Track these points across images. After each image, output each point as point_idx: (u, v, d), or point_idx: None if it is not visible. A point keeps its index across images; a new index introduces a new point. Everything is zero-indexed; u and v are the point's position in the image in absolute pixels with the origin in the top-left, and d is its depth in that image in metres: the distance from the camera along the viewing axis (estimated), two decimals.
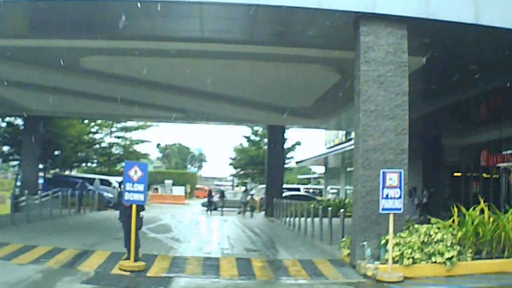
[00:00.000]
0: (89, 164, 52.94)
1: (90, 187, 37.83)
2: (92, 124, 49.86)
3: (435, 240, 13.61)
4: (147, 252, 15.16)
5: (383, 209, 13.04)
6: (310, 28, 16.29)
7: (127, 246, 13.50)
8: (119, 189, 40.35)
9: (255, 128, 61.30)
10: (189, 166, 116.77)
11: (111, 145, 53.33)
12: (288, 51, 18.58)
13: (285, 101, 27.25)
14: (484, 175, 27.68)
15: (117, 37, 18.01)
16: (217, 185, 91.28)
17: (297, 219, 25.26)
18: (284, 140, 37.39)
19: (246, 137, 62.11)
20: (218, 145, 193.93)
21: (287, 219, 28.35)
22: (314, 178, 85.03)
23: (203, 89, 24.93)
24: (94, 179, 40.89)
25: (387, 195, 12.99)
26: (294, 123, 36.15)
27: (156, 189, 66.09)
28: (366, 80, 14.60)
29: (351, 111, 30.54)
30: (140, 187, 13.10)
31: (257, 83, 23.54)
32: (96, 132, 51.19)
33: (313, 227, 21.62)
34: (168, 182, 68.63)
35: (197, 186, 78.45)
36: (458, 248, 13.67)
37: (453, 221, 14.56)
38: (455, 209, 14.64)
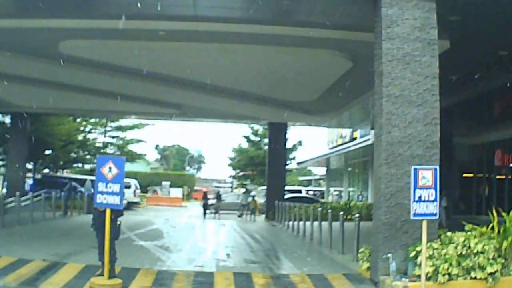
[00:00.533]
0: (83, 165, 50.33)
1: (80, 188, 35.29)
2: (85, 123, 47.47)
3: (475, 251, 11.10)
4: (129, 265, 12.67)
5: (415, 215, 10.47)
6: (319, 3, 13.84)
7: (101, 259, 10.98)
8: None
9: (255, 127, 58.89)
10: (187, 167, 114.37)
11: (105, 144, 50.81)
12: (293, 32, 16.09)
13: (288, 94, 24.77)
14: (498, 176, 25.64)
15: (99, 16, 15.58)
16: (216, 187, 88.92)
17: (301, 223, 22.84)
18: (285, 138, 34.85)
19: (245, 137, 59.61)
20: (217, 146, 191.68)
21: (290, 223, 25.92)
22: (315, 180, 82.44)
23: (199, 80, 22.51)
24: (85, 180, 38.31)
25: (419, 198, 10.42)
26: (296, 120, 33.58)
27: (155, 191, 63.62)
28: (389, 60, 12.08)
29: (359, 107, 28.49)
30: (116, 187, 10.64)
31: (258, 72, 21.04)
32: (89, 132, 48.74)
33: (320, 233, 19.16)
34: (166, 183, 66.18)
35: (195, 188, 75.82)
36: (502, 261, 11.17)
37: (492, 228, 12.05)
38: (494, 213, 12.13)
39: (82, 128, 46.61)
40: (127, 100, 27.09)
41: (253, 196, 36.18)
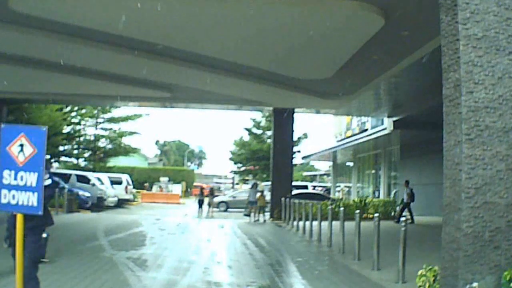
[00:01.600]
0: (73, 160, 46.01)
1: (63, 184, 31.01)
2: (74, 113, 43.21)
3: None
4: None
5: None
6: None
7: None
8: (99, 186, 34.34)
9: (258, 119, 54.58)
10: (188, 163, 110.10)
11: (97, 137, 46.54)
12: None
13: (298, 70, 20.38)
14: None
15: None
16: (216, 182, 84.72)
17: (312, 223, 18.69)
18: (293, 127, 30.40)
19: (247, 129, 55.34)
20: (219, 142, 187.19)
21: (300, 223, 21.70)
22: (320, 175, 78.07)
23: (190, 51, 18.15)
24: (70, 175, 34.08)
25: None
26: (305, 106, 28.98)
27: (161, 187, 59.37)
28: None
29: (384, 86, 23.84)
30: (31, 178, 6.30)
31: (262, 38, 16.63)
32: (78, 123, 44.46)
33: (343, 238, 14.89)
34: (164, 179, 61.98)
35: (195, 184, 71.44)
36: None
37: None
38: None
39: (69, 119, 42.37)
40: (111, 80, 22.87)
41: (262, 192, 30.16)
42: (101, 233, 18.48)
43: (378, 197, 38.91)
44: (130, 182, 41.62)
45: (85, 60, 20.06)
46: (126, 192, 39.63)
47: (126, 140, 48.43)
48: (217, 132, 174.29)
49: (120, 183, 39.26)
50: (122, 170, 67.75)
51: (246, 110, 33.06)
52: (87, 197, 31.80)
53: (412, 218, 26.00)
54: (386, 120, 34.50)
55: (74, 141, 43.91)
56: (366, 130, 43.79)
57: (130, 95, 26.09)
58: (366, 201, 31.27)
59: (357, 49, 17.09)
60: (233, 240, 18.12)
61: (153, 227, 22.03)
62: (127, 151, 47.80)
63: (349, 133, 50.81)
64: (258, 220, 28.35)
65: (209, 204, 34.57)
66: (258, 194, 29.37)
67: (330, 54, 18.09)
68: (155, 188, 59.16)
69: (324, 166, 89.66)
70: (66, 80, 22.99)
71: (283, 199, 27.49)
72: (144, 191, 56.67)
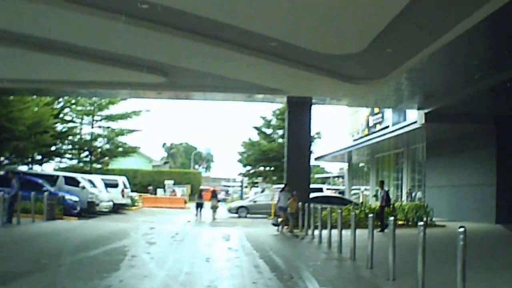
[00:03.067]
0: (68, 160, 41.76)
1: (48, 187, 26.72)
2: (68, 110, 38.98)
3: None
4: None
5: None
6: None
7: None
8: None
9: (268, 118, 50.06)
10: (196, 166, 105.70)
11: (93, 136, 42.19)
12: None
13: (323, 39, 15.90)
14: None
15: None
16: (224, 185, 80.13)
17: (335, 232, 14.53)
18: (310, 121, 25.87)
19: (256, 128, 50.83)
20: (227, 144, 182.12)
21: (321, 232, 17.34)
22: (333, 177, 73.32)
23: (185, 10, 13.71)
24: (57, 177, 29.75)
25: None
26: (326, 92, 24.03)
27: (174, 190, 55.09)
28: None
29: (418, 69, 19.26)
30: None
31: None
32: (71, 121, 40.16)
33: (394, 257, 10.41)
34: (169, 182, 57.68)
35: (202, 187, 66.66)
36: None
37: None
38: None
39: (62, 116, 38.16)
40: (94, 60, 18.52)
41: (294, 195, 22.85)
42: (69, 249, 14.09)
43: (413, 200, 34.16)
44: (128, 185, 37.15)
45: (65, 32, 15.80)
46: (123, 196, 35.16)
47: (126, 140, 44.06)
48: (225, 133, 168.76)
49: (115, 186, 34.87)
50: (125, 172, 63.49)
51: (256, 101, 28.21)
52: (75, 201, 27.43)
53: (382, 226, 21.58)
54: (412, 114, 30.15)
55: (67, 140, 39.60)
56: (387, 127, 39.36)
57: (119, 81, 21.70)
58: (395, 205, 26.74)
59: (402, 7, 12.64)
60: (241, 260, 13.57)
61: (141, 240, 17.54)
62: (126, 151, 43.39)
63: (366, 132, 46.42)
64: (292, 232, 21.80)
65: (213, 208, 31.99)
66: (290, 199, 22.74)
67: (364, 16, 13.61)
68: (168, 191, 55.09)
69: (333, 168, 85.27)
70: (45, 61, 18.76)
71: (300, 203, 22.99)
72: (148, 195, 52.38)
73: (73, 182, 29.33)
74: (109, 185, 33.65)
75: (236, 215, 35.02)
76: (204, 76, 20.43)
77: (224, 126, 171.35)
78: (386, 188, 24.54)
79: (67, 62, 18.63)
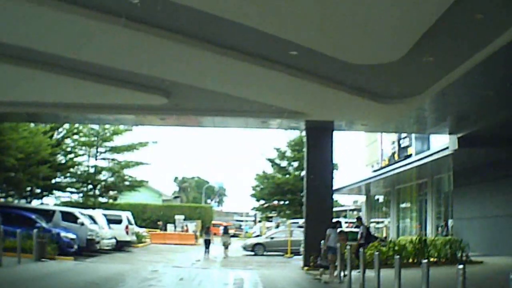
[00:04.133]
0: (71, 194, 38.94)
1: (41, 223, 23.97)
2: (69, 141, 36.34)
3: None
4: None
5: None
6: None
7: None
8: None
9: (282, 149, 47.29)
10: (208, 200, 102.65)
11: (98, 169, 39.40)
12: None
13: (353, 47, 13.05)
14: None
15: None
16: (237, 220, 76.88)
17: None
18: (332, 148, 22.99)
19: (270, 160, 47.95)
20: (240, 178, 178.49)
21: (350, 273, 14.34)
22: (350, 210, 69.89)
23: (191, 5, 10.95)
24: (53, 212, 26.91)
25: None
26: (351, 114, 20.78)
27: (186, 225, 52.31)
28: None
29: (459, 83, 16.01)
30: None
31: None
32: (71, 152, 37.43)
33: None
34: (179, 217, 54.62)
35: (214, 222, 63.40)
36: None
37: None
38: None
39: (63, 146, 35.56)
40: (87, 77, 15.78)
41: (344, 232, 19.56)
42: None
43: (446, 234, 30.84)
44: (132, 221, 34.22)
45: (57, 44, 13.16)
46: (127, 232, 32.19)
47: (133, 173, 41.20)
48: (238, 165, 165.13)
49: (119, 222, 31.92)
50: (133, 207, 60.70)
51: (271, 127, 25.08)
52: (71, 239, 24.57)
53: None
54: (435, 142, 27.22)
55: (68, 173, 36.83)
56: (409, 156, 36.43)
57: (114, 103, 18.95)
58: (425, 240, 23.62)
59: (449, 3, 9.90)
60: None
61: None
62: (133, 185, 40.52)
63: (385, 162, 43.48)
64: (341, 280, 16.85)
65: (225, 245, 30.68)
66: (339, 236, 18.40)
67: (406, 16, 10.82)
68: (179, 227, 52.32)
69: (347, 201, 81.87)
70: (37, 80, 16.15)
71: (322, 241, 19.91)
72: (157, 231, 49.45)
73: (71, 217, 26.48)
74: (112, 221, 30.79)
75: (252, 253, 32.19)
76: (211, 97, 17.68)
77: (237, 158, 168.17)
78: (366, 224, 21.79)
79: (55, 80, 15.97)
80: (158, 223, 53.92)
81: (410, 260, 20.97)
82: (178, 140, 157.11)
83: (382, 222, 48.04)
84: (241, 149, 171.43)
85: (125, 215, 33.01)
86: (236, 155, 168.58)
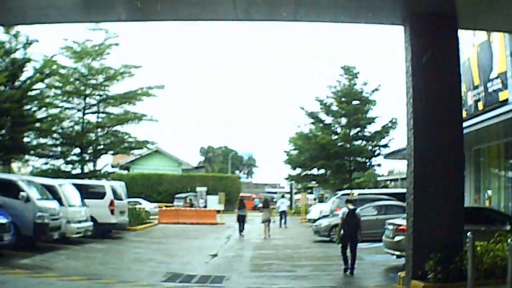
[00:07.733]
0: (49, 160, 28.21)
1: None
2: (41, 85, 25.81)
3: None
4: None
5: None
6: None
7: None
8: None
9: (324, 100, 35.96)
10: (236, 171, 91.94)
11: (85, 125, 28.40)
12: None
13: None
14: None
15: None
16: (268, 192, 65.82)
17: None
18: (458, 55, 11.79)
19: (310, 114, 36.58)
20: (271, 147, 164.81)
21: None
22: (402, 179, 58.15)
23: None
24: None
25: None
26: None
27: (190, 200, 42.03)
28: None
29: None
30: None
31: None
32: (52, 104, 26.86)
33: None
34: (201, 189, 44.10)
35: (241, 194, 52.16)
36: None
37: None
38: None
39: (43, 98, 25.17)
40: None
41: None
42: None
43: None
44: (123, 195, 23.14)
45: None
46: (112, 212, 21.12)
47: (137, 132, 30.17)
48: (269, 134, 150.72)
49: (101, 196, 21.07)
50: (146, 178, 50.39)
51: (361, 22, 13.20)
52: (2, 224, 13.90)
53: None
54: None
55: (48, 131, 26.16)
56: (505, 101, 25.07)
57: None
58: None
59: None
60: None
61: None
62: (132, 147, 29.50)
63: (464, 113, 32.21)
64: None
65: (265, 222, 24.45)
66: None
67: None
68: (201, 202, 43.09)
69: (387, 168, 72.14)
70: None
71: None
72: (173, 206, 39.16)
73: (9, 189, 15.79)
74: (90, 194, 20.18)
75: (328, 238, 21.50)
76: None
77: (268, 123, 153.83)
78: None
79: None
80: (186, 199, 43.21)
81: None
82: (206, 107, 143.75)
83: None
84: (273, 112, 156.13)
85: (109, 186, 21.86)
86: (267, 121, 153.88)
